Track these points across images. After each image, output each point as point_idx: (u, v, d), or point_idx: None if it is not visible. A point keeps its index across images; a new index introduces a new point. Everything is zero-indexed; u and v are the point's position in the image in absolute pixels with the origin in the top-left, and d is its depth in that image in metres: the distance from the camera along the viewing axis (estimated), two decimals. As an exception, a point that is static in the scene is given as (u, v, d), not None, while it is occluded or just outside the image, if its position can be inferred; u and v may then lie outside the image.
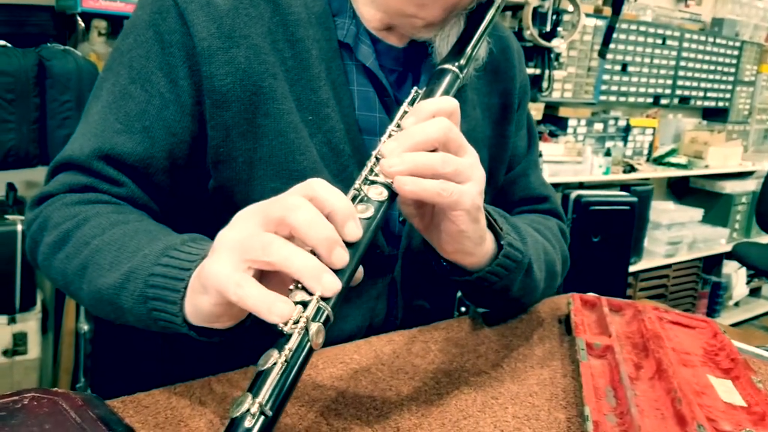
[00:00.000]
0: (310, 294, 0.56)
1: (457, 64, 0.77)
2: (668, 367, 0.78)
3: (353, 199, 0.65)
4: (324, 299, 0.56)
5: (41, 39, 1.89)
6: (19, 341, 1.87)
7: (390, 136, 0.70)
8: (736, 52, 4.16)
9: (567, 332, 0.94)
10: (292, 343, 0.54)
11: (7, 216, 1.83)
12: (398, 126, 0.71)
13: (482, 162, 0.78)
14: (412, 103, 0.73)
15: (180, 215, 0.87)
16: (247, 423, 0.51)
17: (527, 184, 1.08)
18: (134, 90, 0.80)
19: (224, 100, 0.80)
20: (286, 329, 0.54)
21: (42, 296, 2.00)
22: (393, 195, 0.66)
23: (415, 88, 0.76)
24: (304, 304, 0.55)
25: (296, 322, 0.54)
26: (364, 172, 0.67)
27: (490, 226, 0.80)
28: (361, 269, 0.61)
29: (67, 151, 0.81)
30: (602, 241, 2.88)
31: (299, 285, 0.56)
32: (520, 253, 0.83)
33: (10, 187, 1.96)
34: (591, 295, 1.04)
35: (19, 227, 1.80)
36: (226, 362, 0.76)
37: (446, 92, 0.75)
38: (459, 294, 1.04)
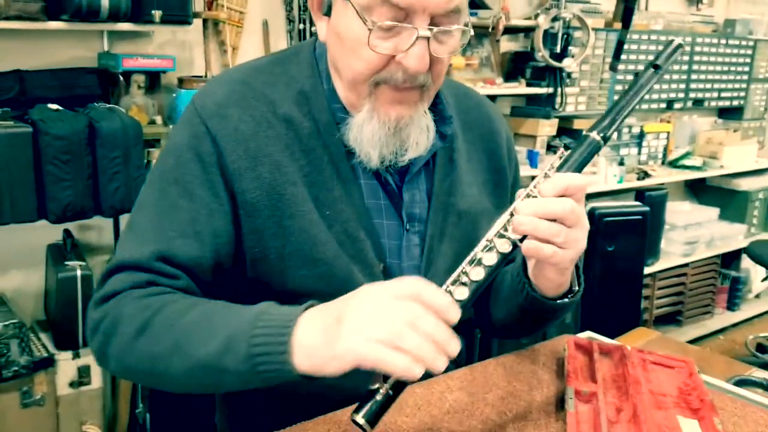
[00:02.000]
0: None
1: (599, 129, 0.91)
2: (641, 412, 0.93)
3: (484, 249, 0.87)
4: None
5: (88, 98, 2.09)
6: (84, 373, 2.08)
7: (528, 195, 0.89)
8: (749, 51, 4.24)
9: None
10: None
11: (67, 262, 2.03)
12: (536, 187, 0.90)
13: (485, 230, 0.96)
14: (555, 166, 0.91)
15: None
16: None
17: None
18: (183, 203, 0.96)
19: (255, 209, 0.97)
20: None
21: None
22: (514, 248, 0.88)
23: (560, 150, 0.94)
24: None
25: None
26: (499, 226, 0.88)
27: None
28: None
29: (125, 255, 0.94)
30: (617, 250, 3.01)
31: None
32: (576, 298, 1.05)
33: (67, 233, 2.17)
34: (585, 338, 1.20)
35: (79, 272, 2.00)
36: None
37: (584, 160, 0.91)
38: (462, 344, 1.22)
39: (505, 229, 0.88)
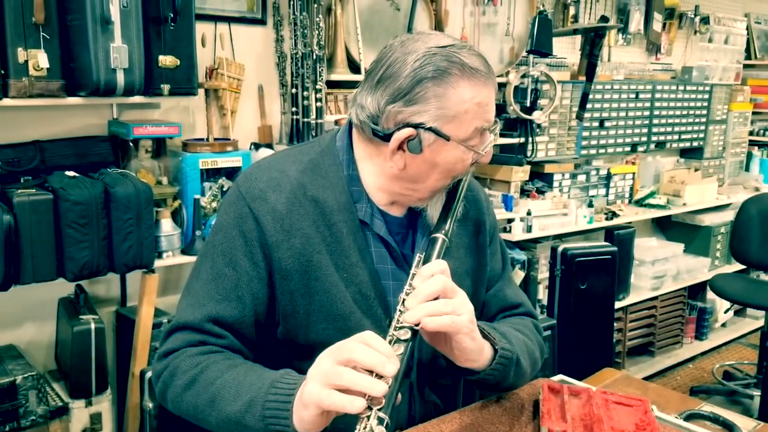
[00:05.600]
0: (370, 409, 0.94)
1: (443, 231, 1.18)
2: (604, 447, 1.13)
3: (390, 342, 1.04)
4: (379, 409, 0.94)
5: (101, 164, 2.27)
6: (95, 420, 2.23)
7: (407, 294, 1.08)
8: (706, 96, 4.52)
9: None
10: None
11: (81, 316, 2.19)
12: (410, 286, 1.10)
13: (467, 286, 1.18)
14: (417, 265, 1.13)
15: (263, 357, 1.23)
16: None
17: (504, 297, 1.44)
18: (228, 271, 1.19)
19: (288, 274, 1.19)
20: None
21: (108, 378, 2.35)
22: (414, 333, 1.05)
23: (418, 254, 1.15)
24: (369, 417, 0.94)
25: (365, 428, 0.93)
26: (394, 322, 1.06)
27: (486, 337, 1.18)
28: (399, 395, 0.98)
29: (182, 318, 1.19)
30: (589, 287, 3.23)
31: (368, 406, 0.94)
32: (509, 352, 1.22)
33: (80, 288, 2.33)
34: (557, 381, 1.40)
35: (93, 326, 2.16)
36: None
37: (438, 255, 1.15)
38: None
39: (399, 323, 1.05)
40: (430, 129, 1.14)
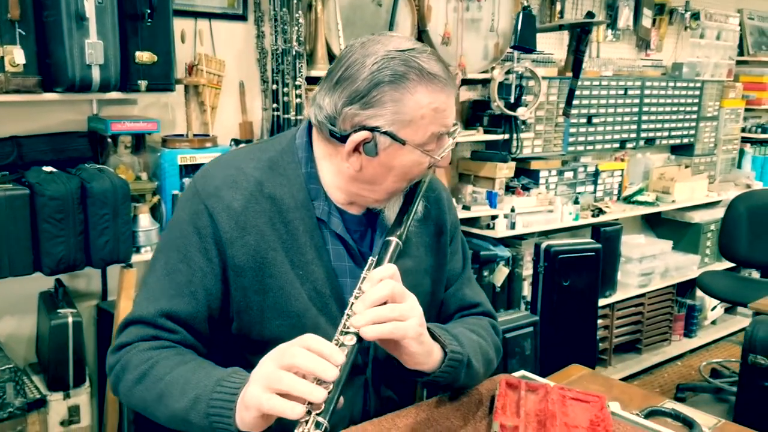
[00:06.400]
0: (309, 413, 0.95)
1: (398, 234, 1.18)
2: (553, 442, 1.14)
3: (336, 344, 1.04)
4: (318, 414, 0.94)
5: (80, 160, 2.28)
6: (73, 413, 2.24)
7: (356, 297, 1.09)
8: (697, 92, 4.52)
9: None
10: None
11: (59, 310, 2.20)
12: (360, 289, 1.10)
13: (425, 286, 1.20)
14: (369, 268, 1.13)
15: (217, 352, 1.24)
16: None
17: (463, 296, 1.45)
18: (182, 267, 1.20)
19: (242, 271, 1.20)
20: None
21: (88, 371, 2.37)
22: (360, 339, 1.05)
23: (371, 257, 1.15)
24: (307, 421, 0.94)
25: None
26: (340, 326, 1.07)
27: (437, 339, 1.18)
28: (342, 399, 0.98)
29: (136, 312, 1.20)
30: (572, 284, 3.24)
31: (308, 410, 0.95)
32: (460, 355, 1.22)
33: (59, 282, 2.34)
34: (517, 377, 1.41)
35: (70, 319, 2.18)
36: None
37: (390, 259, 1.15)
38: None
39: (346, 327, 1.05)
40: (385, 133, 1.14)
